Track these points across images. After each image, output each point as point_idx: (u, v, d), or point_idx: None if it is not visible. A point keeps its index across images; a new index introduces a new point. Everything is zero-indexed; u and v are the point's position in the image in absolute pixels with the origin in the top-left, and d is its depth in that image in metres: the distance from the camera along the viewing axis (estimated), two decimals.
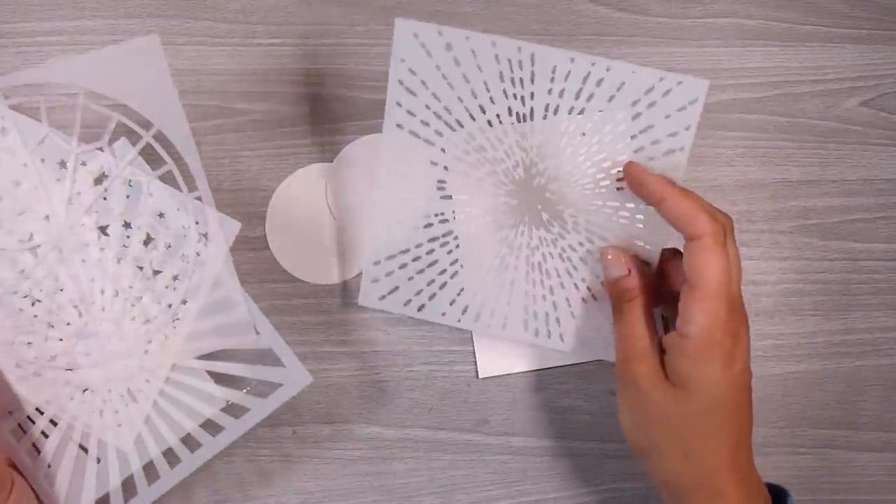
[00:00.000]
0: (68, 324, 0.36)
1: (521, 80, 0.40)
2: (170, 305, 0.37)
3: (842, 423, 0.48)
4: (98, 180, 0.38)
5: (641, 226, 0.40)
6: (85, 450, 0.37)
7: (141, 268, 0.37)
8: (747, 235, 0.49)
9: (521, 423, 0.46)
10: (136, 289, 0.37)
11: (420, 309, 0.44)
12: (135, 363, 0.37)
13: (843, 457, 0.47)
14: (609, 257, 0.38)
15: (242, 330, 0.37)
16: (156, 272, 0.37)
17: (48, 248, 0.36)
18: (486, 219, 0.44)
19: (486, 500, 0.46)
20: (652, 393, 0.33)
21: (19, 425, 0.36)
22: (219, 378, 0.39)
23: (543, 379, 0.47)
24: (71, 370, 0.36)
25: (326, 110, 0.48)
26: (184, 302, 0.37)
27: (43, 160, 0.37)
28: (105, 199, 0.38)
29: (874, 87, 0.51)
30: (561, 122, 0.41)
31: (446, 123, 0.41)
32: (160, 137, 0.38)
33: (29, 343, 0.36)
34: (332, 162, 0.47)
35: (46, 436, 0.36)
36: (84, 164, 0.38)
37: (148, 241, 0.38)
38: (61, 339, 0.36)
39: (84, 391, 0.36)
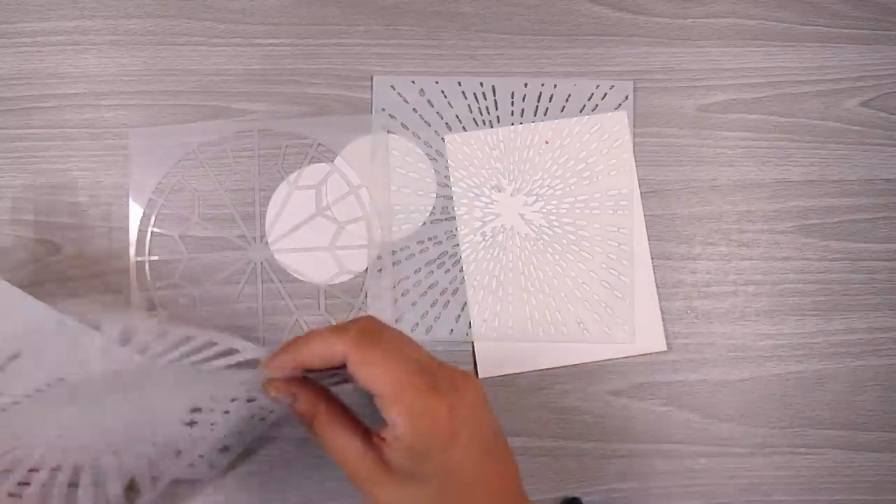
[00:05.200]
0: None
1: (487, 108, 0.48)
2: None
3: (842, 423, 0.48)
4: None
5: None
6: None
7: None
8: (747, 235, 0.49)
9: (521, 423, 0.46)
10: None
11: (428, 331, 0.46)
12: None
13: (843, 457, 0.47)
14: (272, 394, 0.33)
15: None
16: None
17: None
18: (475, 235, 0.47)
19: None
20: (385, 491, 0.31)
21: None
22: None
23: (543, 379, 0.47)
24: None
25: (326, 110, 0.48)
26: None
27: None
28: None
29: (874, 87, 0.51)
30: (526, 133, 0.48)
31: (427, 156, 0.47)
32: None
33: None
34: (332, 162, 0.47)
35: None
36: None
37: None
38: None
39: None
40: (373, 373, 0.30)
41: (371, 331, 0.32)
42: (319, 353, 0.32)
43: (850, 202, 0.50)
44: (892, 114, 0.50)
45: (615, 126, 0.49)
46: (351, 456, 0.32)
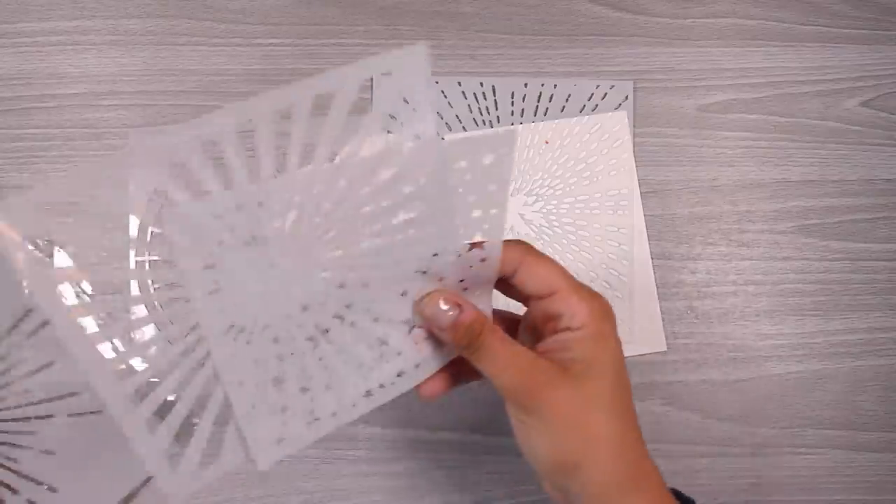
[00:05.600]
0: None
1: (487, 108, 0.48)
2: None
3: (842, 423, 0.48)
4: None
5: None
6: None
7: None
8: (747, 235, 0.49)
9: None
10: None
11: None
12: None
13: (843, 457, 0.47)
14: (429, 309, 0.32)
15: None
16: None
17: None
18: None
19: (486, 500, 0.46)
20: (562, 391, 0.31)
21: None
22: None
23: None
24: None
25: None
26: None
27: None
28: None
29: (874, 87, 0.51)
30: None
31: None
32: None
33: None
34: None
35: None
36: None
37: None
38: None
39: None
40: (548, 272, 0.32)
41: (532, 245, 0.33)
42: (489, 245, 0.32)
43: (850, 202, 0.50)
44: (892, 114, 0.50)
45: (615, 126, 0.49)
46: (525, 363, 0.31)
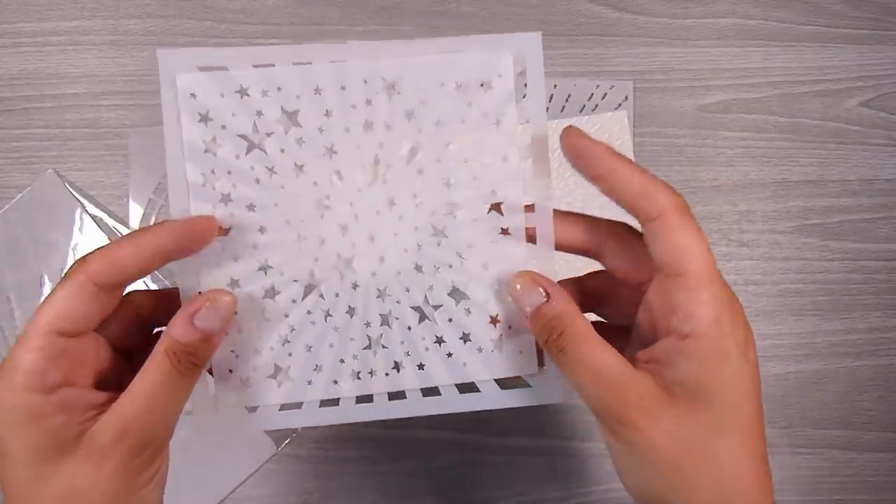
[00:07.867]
0: None
1: None
2: None
3: (842, 423, 0.48)
4: None
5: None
6: None
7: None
8: (747, 235, 0.49)
9: (521, 423, 0.46)
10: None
11: None
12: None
13: (843, 457, 0.47)
14: (518, 287, 0.27)
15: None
16: None
17: None
18: None
19: (486, 500, 0.46)
20: (661, 424, 0.24)
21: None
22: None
23: None
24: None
25: None
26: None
27: None
28: None
29: (874, 87, 0.51)
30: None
31: None
32: None
33: None
34: None
35: None
36: None
37: None
38: None
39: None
40: (689, 240, 0.25)
41: (687, 205, 0.26)
42: (636, 187, 0.26)
43: (850, 202, 0.50)
44: (892, 114, 0.50)
45: (615, 126, 0.49)
46: (617, 376, 0.24)
